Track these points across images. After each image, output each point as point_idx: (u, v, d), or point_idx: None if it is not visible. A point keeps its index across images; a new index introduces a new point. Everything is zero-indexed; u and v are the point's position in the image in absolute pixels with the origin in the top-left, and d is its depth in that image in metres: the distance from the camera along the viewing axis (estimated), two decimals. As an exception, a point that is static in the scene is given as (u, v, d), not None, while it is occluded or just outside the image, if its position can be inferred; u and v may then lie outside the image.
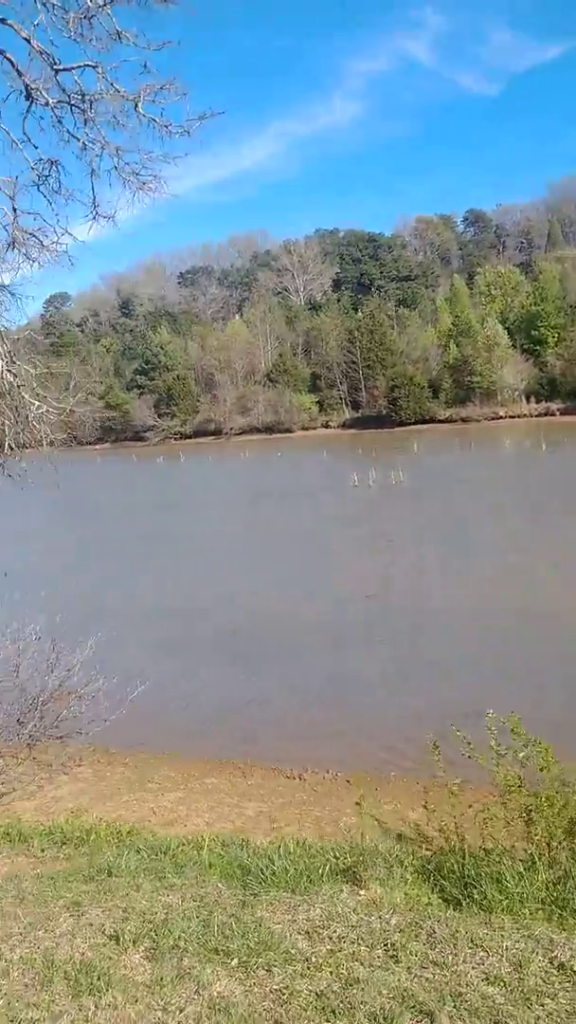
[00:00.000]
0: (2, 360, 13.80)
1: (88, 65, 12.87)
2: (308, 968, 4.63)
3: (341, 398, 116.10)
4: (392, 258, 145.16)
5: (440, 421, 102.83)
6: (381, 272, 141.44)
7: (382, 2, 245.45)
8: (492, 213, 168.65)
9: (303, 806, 11.27)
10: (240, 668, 18.45)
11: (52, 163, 13.60)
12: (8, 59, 12.62)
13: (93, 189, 13.06)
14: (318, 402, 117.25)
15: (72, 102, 13.04)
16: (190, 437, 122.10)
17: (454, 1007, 4.22)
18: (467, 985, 4.42)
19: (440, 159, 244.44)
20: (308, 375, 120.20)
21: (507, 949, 4.81)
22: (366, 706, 15.67)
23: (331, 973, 4.56)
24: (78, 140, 13.10)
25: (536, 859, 5.82)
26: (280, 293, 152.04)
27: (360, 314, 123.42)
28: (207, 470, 79.28)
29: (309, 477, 61.08)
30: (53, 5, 11.94)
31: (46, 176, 13.78)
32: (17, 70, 12.69)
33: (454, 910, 5.53)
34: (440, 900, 5.77)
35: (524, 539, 29.30)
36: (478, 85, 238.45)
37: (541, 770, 6.62)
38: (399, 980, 4.45)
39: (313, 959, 4.74)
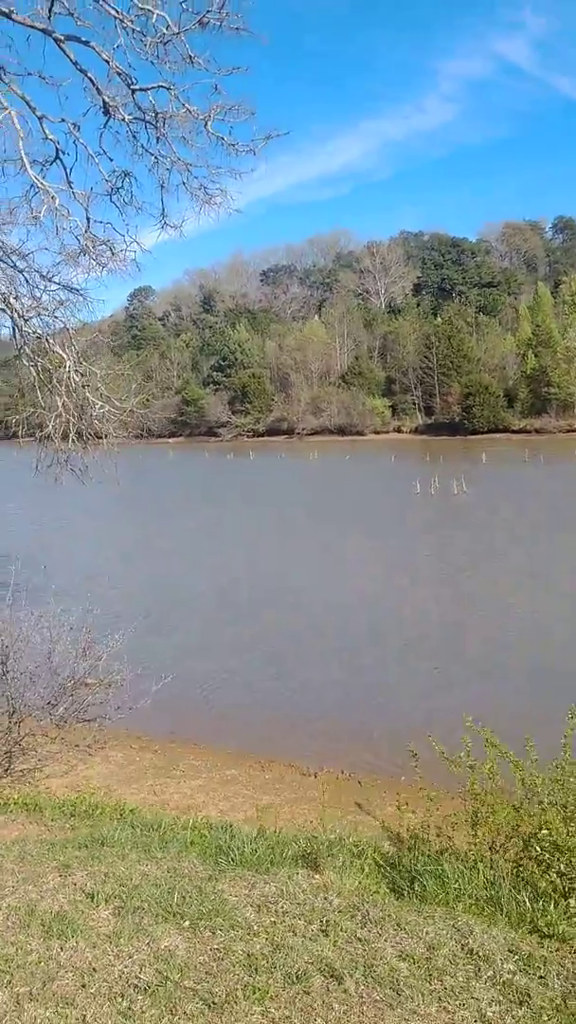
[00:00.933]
0: (70, 360, 14.88)
1: (162, 86, 13.85)
2: (247, 934, 5.33)
3: (414, 403, 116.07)
4: (475, 264, 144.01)
5: (513, 431, 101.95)
6: (463, 277, 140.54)
7: (479, 3, 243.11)
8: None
9: (312, 802, 11.93)
10: (274, 666, 19.22)
11: (125, 175, 14.58)
12: (89, 78, 13.67)
13: (163, 201, 14.00)
14: (391, 406, 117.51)
15: (146, 119, 14.06)
16: (262, 435, 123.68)
17: (362, 975, 4.85)
18: (380, 959, 5.05)
19: (533, 165, 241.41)
20: (383, 379, 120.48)
21: (427, 933, 5.41)
22: (395, 712, 16.23)
23: (266, 939, 5.25)
24: (151, 155, 14.07)
25: (478, 860, 6.40)
26: (360, 295, 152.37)
27: (439, 319, 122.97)
28: (274, 469, 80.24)
29: (372, 482, 61.57)
30: (132, 30, 12.95)
31: (118, 188, 14.81)
32: (97, 88, 13.75)
33: (396, 899, 6.15)
34: (388, 890, 6.39)
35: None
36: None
37: (523, 783, 7.14)
38: (321, 949, 5.11)
39: (254, 927, 5.43)
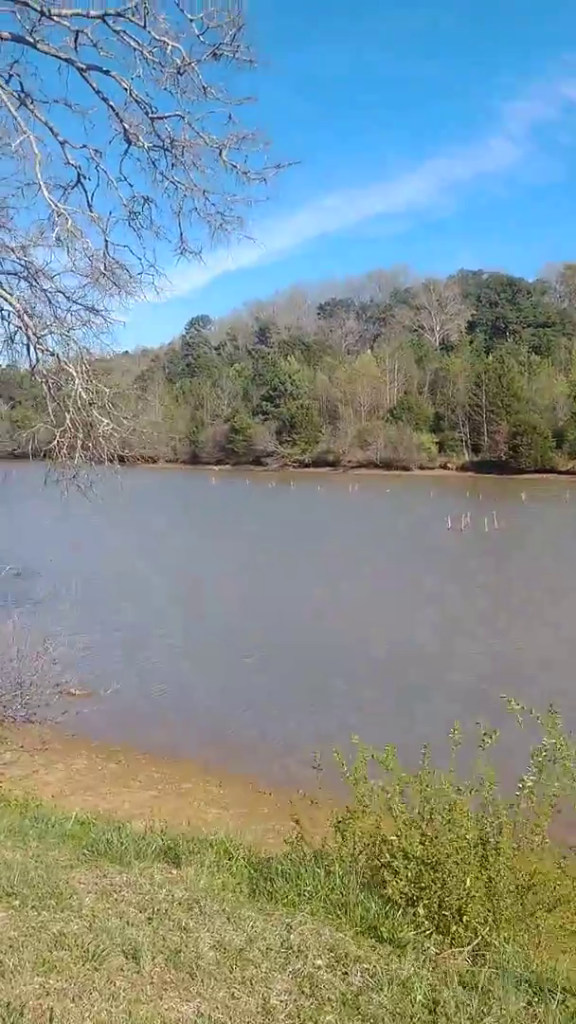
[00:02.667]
0: (80, 379, 15.29)
1: (178, 115, 14.31)
2: (72, 916, 5.42)
3: (462, 440, 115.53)
4: (531, 303, 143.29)
5: (561, 472, 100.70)
6: (518, 316, 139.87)
7: (544, 44, 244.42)
8: None
9: (260, 819, 11.94)
10: (261, 686, 19.29)
11: (146, 200, 15.04)
12: (111, 106, 14.22)
13: (180, 226, 14.43)
14: (438, 442, 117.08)
15: (164, 147, 14.52)
16: (308, 466, 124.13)
17: (164, 959, 4.91)
18: (191, 946, 5.10)
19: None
20: (432, 414, 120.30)
21: (252, 928, 5.44)
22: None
23: (87, 922, 5.34)
24: (170, 182, 14.50)
25: (336, 864, 6.41)
26: (416, 331, 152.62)
27: (490, 357, 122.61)
28: (311, 500, 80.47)
29: (407, 515, 61.33)
30: (151, 60, 13.45)
31: (137, 213, 15.27)
32: (118, 116, 14.29)
33: (248, 898, 6.20)
34: (248, 889, 6.44)
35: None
36: None
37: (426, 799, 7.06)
38: (136, 934, 5.18)
39: (83, 911, 5.52)
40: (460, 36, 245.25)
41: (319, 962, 5.12)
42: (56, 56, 13.28)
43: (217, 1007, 4.48)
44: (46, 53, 13.25)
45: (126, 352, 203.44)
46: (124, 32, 12.58)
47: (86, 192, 14.08)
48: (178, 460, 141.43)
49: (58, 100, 14.26)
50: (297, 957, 5.15)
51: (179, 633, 24.30)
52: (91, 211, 14.81)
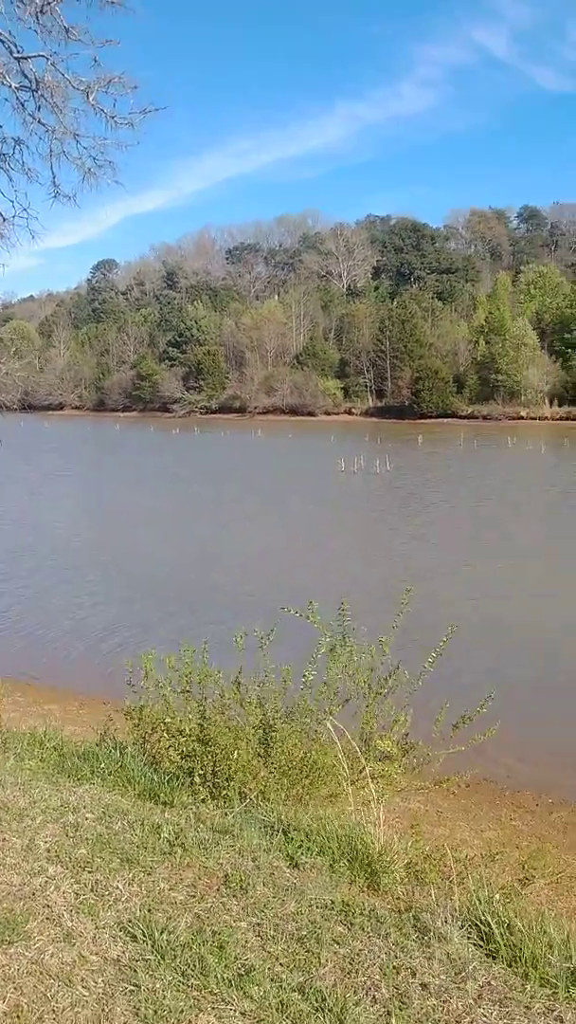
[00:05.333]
0: None
1: (42, 55, 14.45)
2: None
3: (367, 386, 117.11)
4: (435, 249, 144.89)
5: (461, 417, 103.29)
6: (422, 262, 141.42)
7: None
8: (548, 211, 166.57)
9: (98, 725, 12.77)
10: (133, 618, 20.17)
11: (16, 142, 15.14)
12: None
13: (52, 169, 14.61)
14: (344, 388, 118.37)
15: (32, 88, 14.64)
16: (215, 412, 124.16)
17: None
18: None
19: (508, 155, 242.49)
20: (337, 360, 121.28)
21: (38, 794, 6.32)
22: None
23: None
24: (40, 124, 14.65)
25: (129, 746, 7.36)
26: (324, 276, 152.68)
27: (395, 303, 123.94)
28: (212, 445, 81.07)
29: (302, 459, 62.72)
30: None
31: (7, 155, 15.36)
32: None
33: (47, 775, 7.06)
34: (52, 770, 7.31)
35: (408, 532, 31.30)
36: (557, 81, 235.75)
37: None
38: None
39: None
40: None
41: (89, 815, 6.02)
42: None
43: (-11, 849, 5.33)
44: None
45: (31, 297, 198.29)
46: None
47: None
48: (84, 407, 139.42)
49: None
50: (72, 813, 6.04)
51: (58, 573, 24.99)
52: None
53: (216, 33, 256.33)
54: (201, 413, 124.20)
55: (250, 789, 6.91)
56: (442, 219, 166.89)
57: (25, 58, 14.42)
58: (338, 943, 4.41)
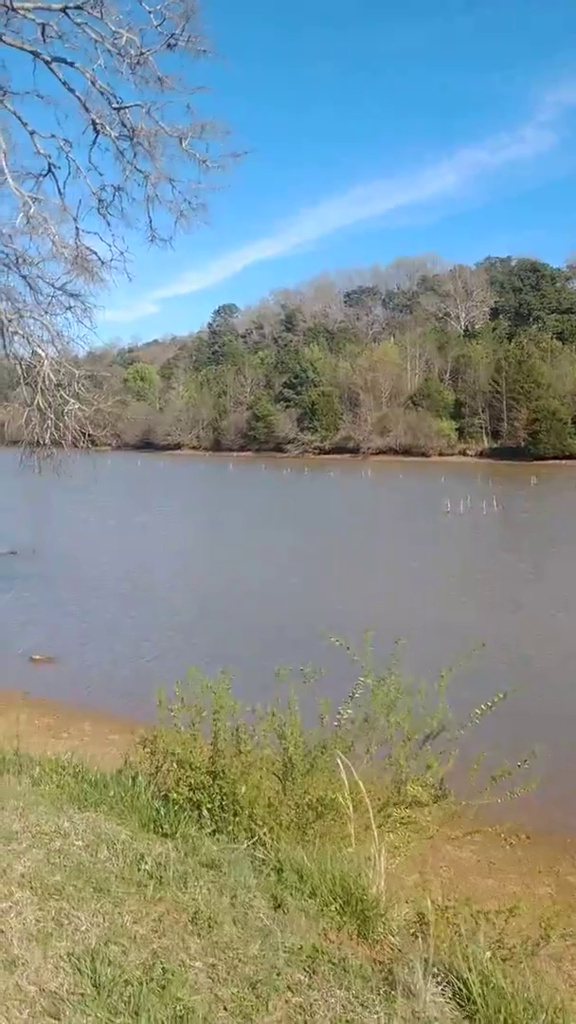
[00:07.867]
0: (48, 360, 16.06)
1: (138, 105, 15.07)
2: None
3: (482, 427, 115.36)
4: (555, 289, 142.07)
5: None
6: (542, 303, 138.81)
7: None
8: None
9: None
10: (201, 647, 20.22)
11: (116, 189, 15.75)
12: (77, 96, 14.97)
13: (149, 214, 15.12)
14: (458, 429, 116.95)
15: (130, 136, 15.27)
16: (328, 453, 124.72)
17: None
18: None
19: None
20: (452, 401, 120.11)
21: (34, 818, 6.28)
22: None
23: None
24: (137, 170, 15.24)
25: (140, 776, 7.26)
26: (441, 318, 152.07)
27: (512, 344, 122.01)
28: (320, 485, 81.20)
29: (410, 499, 61.87)
30: (111, 51, 14.23)
31: (106, 202, 15.97)
32: (85, 106, 15.06)
33: (56, 800, 7.04)
34: (67, 798, 7.28)
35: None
36: None
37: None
38: None
39: None
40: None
41: (78, 842, 5.93)
42: (22, 48, 14.10)
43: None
44: (11, 46, 14.07)
45: (155, 341, 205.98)
46: (86, 24, 13.38)
47: (57, 181, 14.82)
48: (201, 447, 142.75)
49: (29, 92, 15.07)
50: (62, 839, 5.97)
51: (147, 609, 25.40)
52: (62, 200, 15.62)
53: (339, 81, 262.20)
54: (314, 453, 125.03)
55: (259, 825, 6.69)
56: (563, 260, 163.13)
57: (123, 108, 15.00)
58: (293, 991, 4.15)
